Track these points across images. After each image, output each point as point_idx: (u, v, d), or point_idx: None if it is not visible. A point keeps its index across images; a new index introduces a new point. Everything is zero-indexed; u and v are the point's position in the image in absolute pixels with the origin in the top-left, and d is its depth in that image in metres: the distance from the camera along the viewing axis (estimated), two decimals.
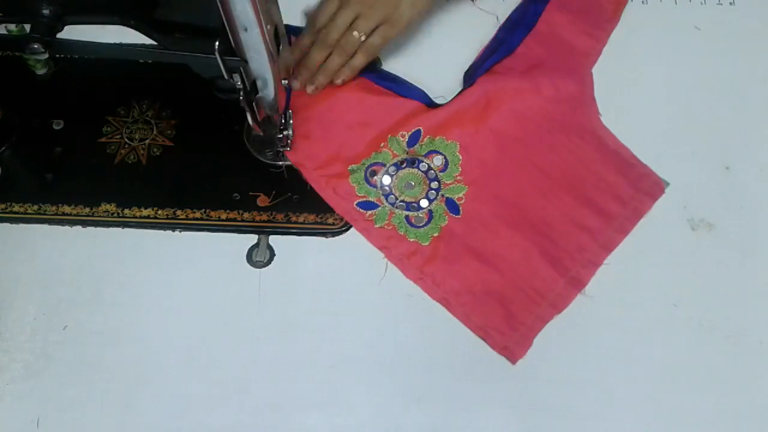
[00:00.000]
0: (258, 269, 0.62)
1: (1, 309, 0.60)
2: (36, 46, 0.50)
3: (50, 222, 0.64)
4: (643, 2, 0.76)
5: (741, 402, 0.57)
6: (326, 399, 0.57)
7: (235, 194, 0.65)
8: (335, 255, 0.63)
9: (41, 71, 0.72)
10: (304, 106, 0.67)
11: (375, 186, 0.65)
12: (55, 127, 0.69)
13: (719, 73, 0.72)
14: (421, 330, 0.60)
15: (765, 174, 0.66)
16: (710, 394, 0.57)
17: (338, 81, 0.67)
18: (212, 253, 0.63)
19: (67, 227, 0.64)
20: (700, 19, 0.75)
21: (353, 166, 0.65)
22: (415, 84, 0.70)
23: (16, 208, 0.65)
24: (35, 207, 0.64)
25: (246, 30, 0.50)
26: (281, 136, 0.64)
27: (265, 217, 0.64)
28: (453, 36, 0.74)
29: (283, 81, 0.58)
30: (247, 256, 0.63)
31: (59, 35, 0.51)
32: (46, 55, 0.51)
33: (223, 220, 0.64)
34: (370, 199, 0.64)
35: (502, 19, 0.74)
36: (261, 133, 0.63)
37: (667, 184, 0.65)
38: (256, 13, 0.49)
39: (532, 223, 0.63)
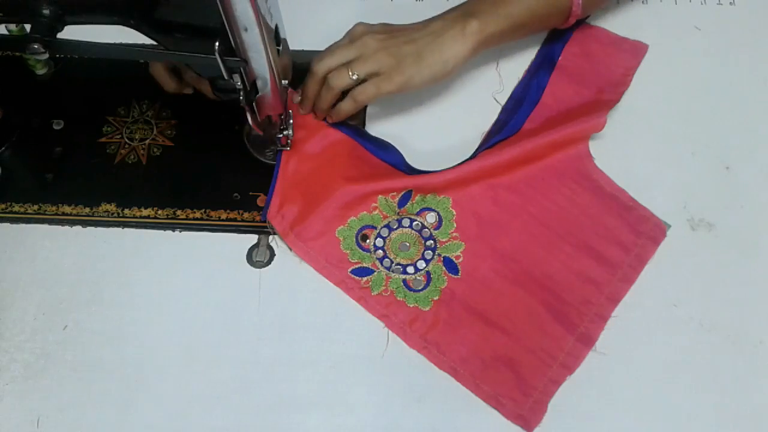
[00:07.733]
0: (258, 269, 0.62)
1: (1, 309, 0.60)
2: (36, 46, 0.50)
3: (50, 222, 0.64)
4: (643, 2, 0.76)
5: (741, 402, 0.57)
6: (326, 399, 0.57)
7: (235, 194, 0.65)
8: None
9: (41, 71, 0.72)
10: (291, 172, 0.64)
11: (368, 250, 0.62)
12: (55, 127, 0.69)
13: (719, 73, 0.72)
14: None
15: (765, 174, 0.66)
16: (710, 394, 0.57)
17: (329, 119, 0.65)
18: (212, 253, 0.63)
19: (67, 227, 0.64)
20: (700, 19, 0.75)
21: (341, 228, 0.62)
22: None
23: (16, 208, 0.65)
24: (35, 207, 0.64)
25: (246, 30, 0.50)
26: (281, 136, 0.64)
27: None
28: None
29: (283, 81, 0.58)
30: (247, 256, 0.63)
31: (59, 35, 0.51)
32: (46, 55, 0.51)
33: (223, 220, 0.64)
34: (365, 264, 0.61)
35: (502, 99, 0.70)
36: (261, 133, 0.63)
37: (669, 226, 0.63)
38: (256, 13, 0.49)
39: (535, 277, 0.60)
